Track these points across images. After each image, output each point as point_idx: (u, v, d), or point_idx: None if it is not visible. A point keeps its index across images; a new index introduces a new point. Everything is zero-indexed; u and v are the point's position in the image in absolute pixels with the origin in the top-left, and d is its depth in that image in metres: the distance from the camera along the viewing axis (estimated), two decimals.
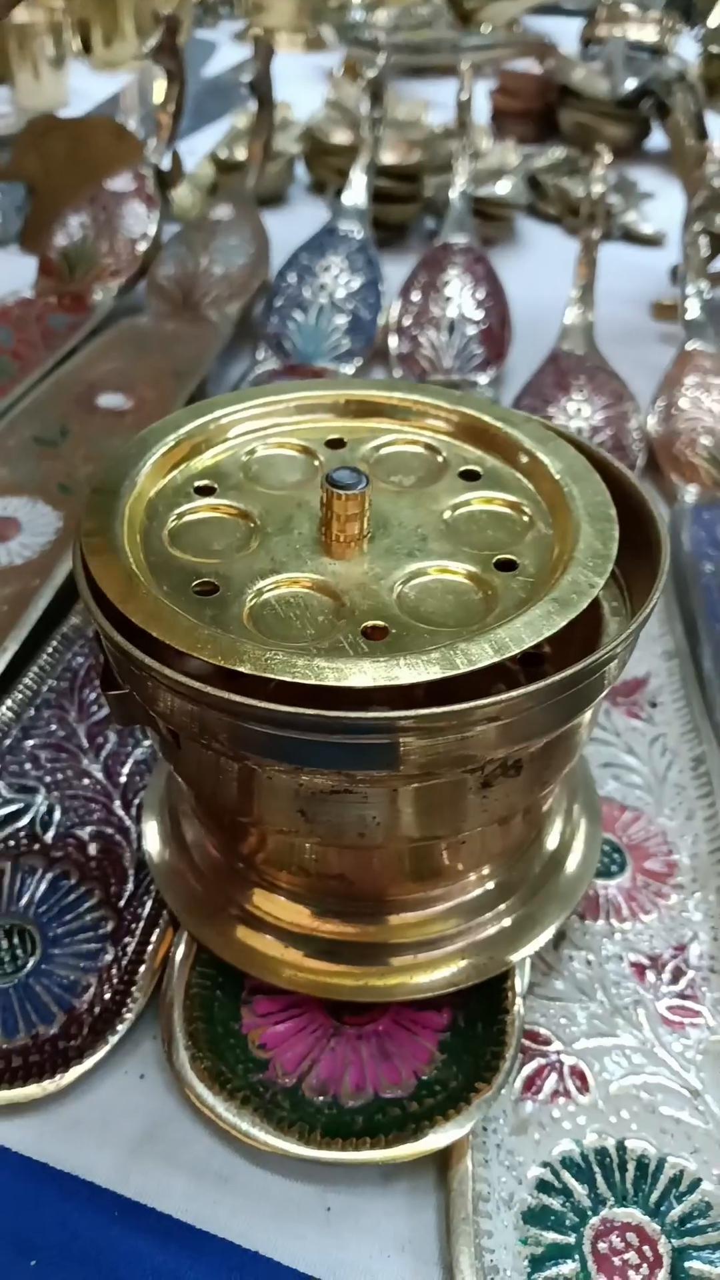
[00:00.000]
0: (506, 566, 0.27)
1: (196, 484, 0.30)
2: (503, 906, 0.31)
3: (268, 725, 0.22)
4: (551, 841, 0.33)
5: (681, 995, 0.32)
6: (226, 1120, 0.28)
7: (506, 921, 0.31)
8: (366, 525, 0.27)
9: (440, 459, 0.31)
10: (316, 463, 0.31)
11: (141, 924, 0.32)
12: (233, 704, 0.22)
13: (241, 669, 0.23)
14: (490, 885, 0.30)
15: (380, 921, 0.30)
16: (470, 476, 0.30)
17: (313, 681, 0.22)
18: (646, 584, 0.26)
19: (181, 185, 0.78)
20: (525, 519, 0.29)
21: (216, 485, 0.30)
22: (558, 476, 0.29)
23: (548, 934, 0.31)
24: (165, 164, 0.71)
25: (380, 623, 0.25)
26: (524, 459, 0.30)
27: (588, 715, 0.27)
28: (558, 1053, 0.30)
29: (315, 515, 0.28)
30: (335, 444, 0.32)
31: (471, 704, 0.22)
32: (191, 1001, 0.30)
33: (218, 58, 1.34)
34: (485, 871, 0.30)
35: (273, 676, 0.22)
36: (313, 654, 0.23)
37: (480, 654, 0.23)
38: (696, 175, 0.62)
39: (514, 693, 0.22)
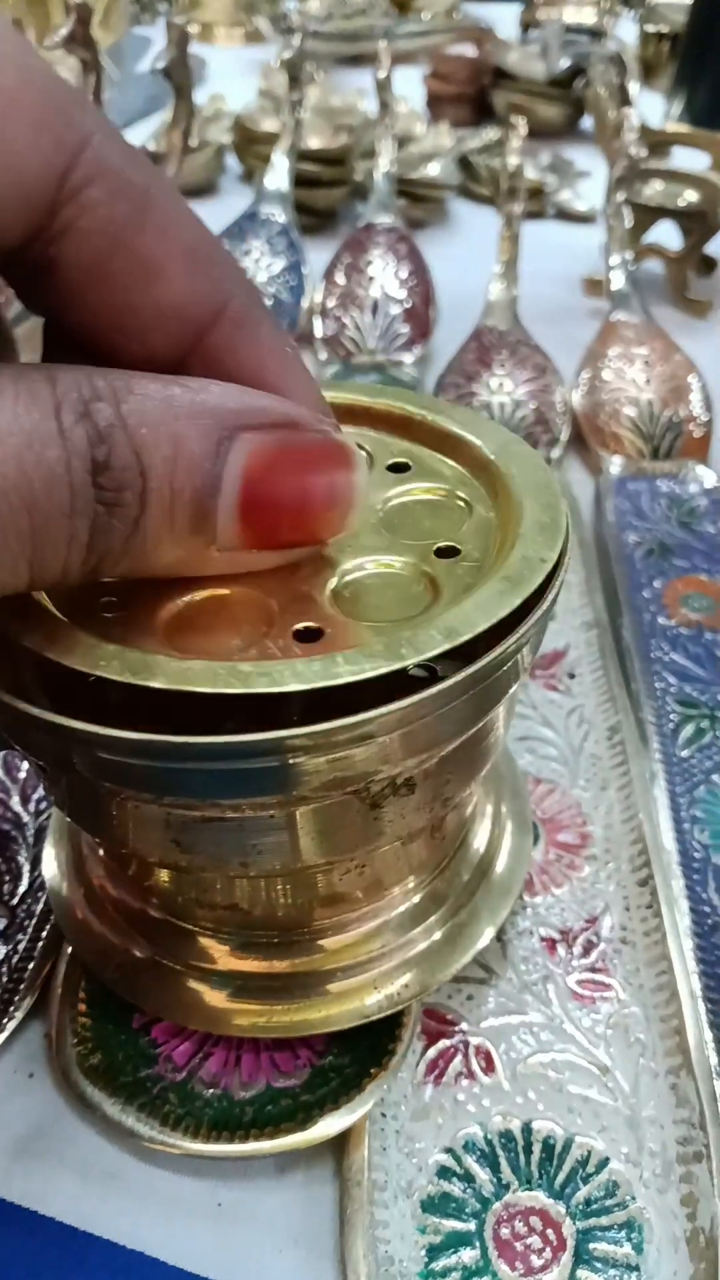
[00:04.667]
0: (448, 553, 0.24)
1: None
2: (433, 919, 0.29)
3: (118, 753, 0.20)
4: (479, 843, 0.31)
5: (592, 969, 0.31)
6: (111, 1117, 0.27)
7: (438, 934, 0.29)
8: None
9: (365, 454, 0.28)
10: None
11: (34, 920, 0.31)
12: (75, 731, 0.19)
13: (155, 684, 0.20)
14: (417, 899, 0.29)
15: (304, 950, 0.28)
16: (399, 469, 0.28)
17: (239, 690, 0.19)
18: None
19: None
20: (461, 504, 0.26)
21: None
22: (493, 456, 0.26)
23: (485, 938, 0.29)
24: None
25: (313, 624, 0.22)
26: (453, 444, 0.28)
27: (499, 713, 0.24)
28: (463, 1033, 0.29)
29: None
30: None
31: (358, 717, 0.19)
32: (80, 998, 0.29)
33: (155, 53, 1.33)
34: (409, 885, 0.28)
35: (192, 689, 0.19)
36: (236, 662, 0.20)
37: (428, 642, 0.20)
38: (616, 145, 0.62)
39: (409, 700, 0.20)
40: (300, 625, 0.22)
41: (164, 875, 0.27)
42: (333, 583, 0.23)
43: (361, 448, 0.28)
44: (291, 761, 0.20)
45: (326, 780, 0.20)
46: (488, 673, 0.21)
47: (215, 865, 0.23)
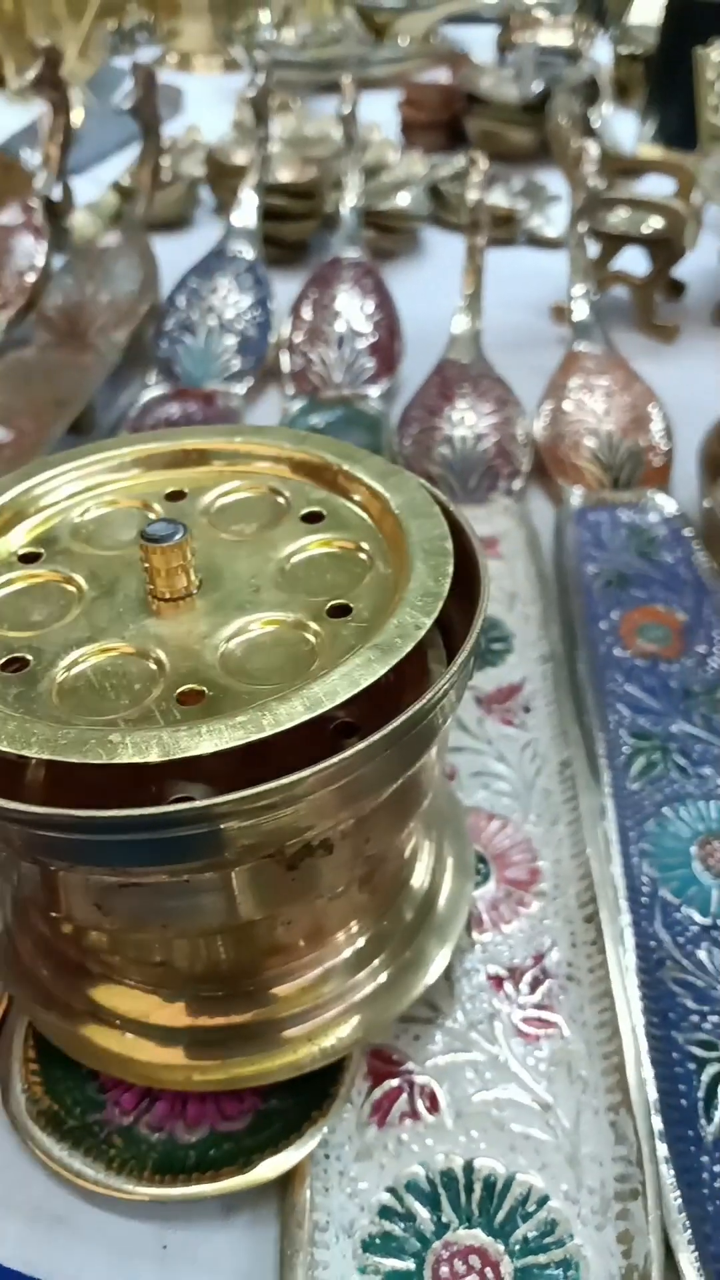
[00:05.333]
0: (339, 612, 0.25)
1: (21, 551, 0.28)
2: (377, 962, 0.29)
3: (30, 826, 0.20)
4: (420, 880, 0.31)
5: (538, 1005, 0.31)
6: (58, 1161, 0.27)
7: (383, 977, 0.29)
8: (193, 579, 0.25)
9: (282, 501, 0.29)
10: (152, 517, 0.29)
11: None
12: None
13: (29, 753, 0.20)
14: (360, 943, 0.29)
15: (244, 1004, 0.28)
16: (313, 519, 0.28)
17: (104, 760, 0.20)
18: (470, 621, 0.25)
19: (82, 214, 0.78)
20: (364, 558, 0.27)
21: (43, 551, 0.28)
22: (397, 513, 0.27)
23: (433, 975, 0.30)
24: (56, 195, 0.71)
25: (196, 686, 0.23)
26: (365, 495, 0.28)
27: (430, 759, 0.25)
28: (409, 1073, 0.30)
29: (142, 574, 0.26)
30: (175, 496, 0.30)
31: (276, 783, 0.20)
32: (30, 1043, 0.30)
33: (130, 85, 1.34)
34: (353, 930, 0.29)
35: (60, 759, 0.20)
36: (114, 728, 0.21)
37: (290, 713, 0.21)
38: (577, 175, 0.63)
39: (332, 760, 0.20)
40: (184, 688, 0.23)
41: (96, 934, 0.27)
42: (225, 643, 0.24)
43: (281, 495, 0.29)
44: (210, 829, 0.20)
45: (241, 846, 0.21)
46: (410, 726, 0.22)
47: (136, 927, 0.24)
